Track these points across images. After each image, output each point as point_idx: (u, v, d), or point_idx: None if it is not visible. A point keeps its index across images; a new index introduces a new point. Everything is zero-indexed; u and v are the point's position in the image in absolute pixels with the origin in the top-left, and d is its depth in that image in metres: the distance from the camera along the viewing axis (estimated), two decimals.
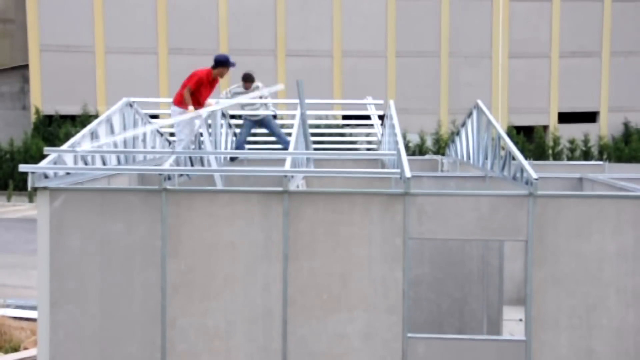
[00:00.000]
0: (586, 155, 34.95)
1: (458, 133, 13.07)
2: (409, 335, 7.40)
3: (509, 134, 32.41)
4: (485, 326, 10.38)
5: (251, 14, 34.38)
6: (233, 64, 9.10)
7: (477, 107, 11.04)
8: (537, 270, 7.41)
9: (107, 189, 7.99)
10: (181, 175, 8.89)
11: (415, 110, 34.44)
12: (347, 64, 34.99)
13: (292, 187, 7.82)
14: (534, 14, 36.00)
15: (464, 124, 12.28)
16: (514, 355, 7.44)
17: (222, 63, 9.05)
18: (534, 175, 7.48)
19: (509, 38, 35.74)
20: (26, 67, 34.64)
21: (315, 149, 12.90)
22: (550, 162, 29.58)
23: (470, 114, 11.63)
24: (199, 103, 9.05)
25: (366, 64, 35.02)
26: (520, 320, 10.40)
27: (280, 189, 7.42)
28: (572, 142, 35.19)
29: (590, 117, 36.87)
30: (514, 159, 8.43)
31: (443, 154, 15.72)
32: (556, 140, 35.21)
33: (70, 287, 7.48)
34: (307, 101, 11.51)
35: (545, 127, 36.09)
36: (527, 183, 7.64)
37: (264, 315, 7.42)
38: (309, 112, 12.05)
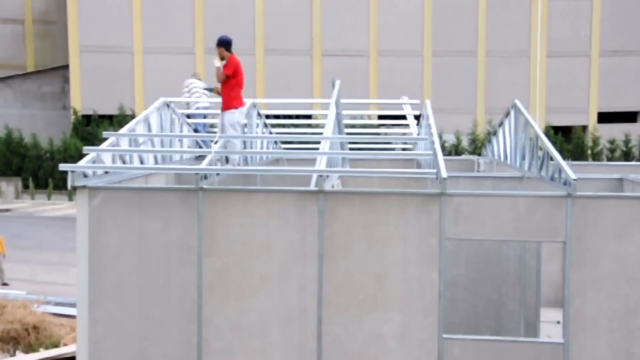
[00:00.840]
0: (627, 156, 34.34)
1: (495, 133, 12.95)
2: (445, 336, 7.35)
3: (546, 134, 32.00)
4: (523, 328, 10.27)
5: (287, 13, 34.49)
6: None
7: (514, 106, 10.93)
8: (575, 272, 7.30)
9: (145, 188, 8.08)
10: (218, 174, 8.95)
11: (451, 110, 34.21)
12: (383, 63, 34.90)
13: (327, 186, 7.82)
14: (573, 11, 35.50)
15: (501, 124, 12.16)
16: (551, 358, 7.34)
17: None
18: (573, 175, 7.37)
19: (548, 36, 35.29)
20: (66, 67, 35.24)
21: (351, 149, 12.88)
22: (590, 162, 29.13)
23: (507, 114, 11.52)
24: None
25: (402, 63, 34.90)
26: (559, 322, 10.26)
27: (315, 188, 7.43)
28: (612, 142, 34.61)
29: (630, 116, 36.21)
30: (552, 159, 8.32)
31: (479, 154, 15.57)
32: (595, 141, 34.67)
33: (108, 285, 7.58)
34: (343, 101, 11.51)
35: (584, 127, 35.56)
36: (565, 184, 7.53)
37: (299, 314, 7.43)
38: (344, 112, 12.05)
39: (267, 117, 12.60)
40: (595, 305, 7.30)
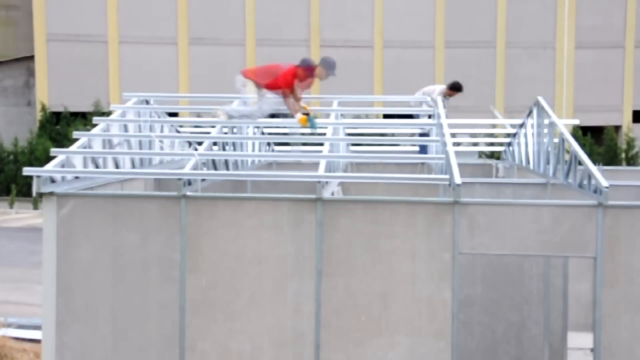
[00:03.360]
0: None
1: (515, 134, 12.98)
2: None
3: (574, 135, 32.05)
4: (547, 355, 10.27)
5: None
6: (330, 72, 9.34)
7: (537, 104, 10.96)
8: (608, 291, 7.31)
9: (121, 194, 8.09)
10: (203, 179, 8.97)
11: (466, 108, 34.25)
12: (390, 55, 34.97)
13: (326, 194, 7.84)
14: None
15: (522, 124, 12.20)
16: None
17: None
18: (604, 182, 7.39)
19: (576, 25, 35.37)
20: (31, 58, 35.23)
21: (353, 152, 12.90)
22: (624, 167, 29.17)
23: (529, 113, 11.55)
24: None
25: (411, 55, 34.96)
26: (592, 350, 10.26)
27: (313, 196, 7.45)
28: None
29: None
30: (580, 163, 8.34)
31: (498, 158, 15.62)
32: (630, 143, 34.70)
33: (79, 305, 7.59)
34: (344, 97, 11.54)
35: (618, 128, 35.60)
36: (595, 192, 7.55)
37: (294, 338, 7.44)
38: (346, 108, 12.07)
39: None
40: (631, 329, 7.32)
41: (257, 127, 12.25)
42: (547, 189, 10.32)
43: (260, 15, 34.40)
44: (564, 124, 9.62)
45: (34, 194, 7.64)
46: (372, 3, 34.87)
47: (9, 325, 13.36)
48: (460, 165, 7.94)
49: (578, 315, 11.79)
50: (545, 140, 10.39)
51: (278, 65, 9.56)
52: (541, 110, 10.71)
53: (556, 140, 9.84)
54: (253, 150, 11.68)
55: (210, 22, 33.96)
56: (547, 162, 10.22)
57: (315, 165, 8.71)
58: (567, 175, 9.02)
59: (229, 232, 7.47)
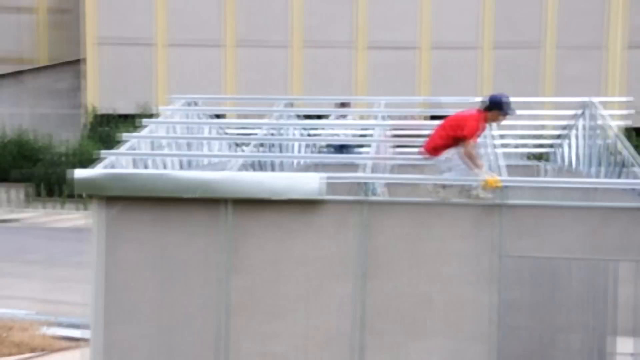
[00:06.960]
0: None
1: (564, 136, 12.83)
2: None
3: (626, 136, 31.47)
4: None
5: (328, 1, 34.62)
6: (511, 111, 8.04)
7: (589, 105, 10.81)
8: None
9: (167, 196, 8.17)
10: None
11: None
12: (436, 57, 34.76)
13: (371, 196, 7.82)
14: None
15: (572, 126, 12.05)
16: None
17: (498, 106, 8.02)
18: None
19: (629, 24, 34.74)
20: (82, 61, 35.82)
21: (399, 154, 12.85)
22: None
23: (582, 114, 11.40)
24: None
25: (458, 56, 34.70)
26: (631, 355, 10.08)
27: (358, 197, 7.44)
28: None
29: None
30: (631, 165, 8.21)
31: (546, 160, 15.45)
32: None
33: (126, 305, 7.68)
34: (390, 98, 11.52)
35: None
36: None
37: (337, 340, 7.44)
38: (389, 110, 12.05)
39: (308, 117, 12.64)
40: None
41: (304, 129, 12.30)
42: (596, 191, 10.16)
43: (305, 17, 34.47)
44: (615, 125, 9.47)
45: (84, 194, 7.76)
46: (418, 4, 34.70)
47: (59, 325, 13.59)
48: (506, 166, 7.87)
49: (627, 320, 11.59)
50: (598, 141, 10.26)
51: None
52: (591, 111, 10.57)
53: (607, 141, 9.70)
54: (298, 151, 11.71)
55: (256, 25, 34.13)
56: (598, 164, 10.08)
57: (360, 167, 8.71)
58: (617, 177, 8.88)
59: (273, 233, 7.50)
